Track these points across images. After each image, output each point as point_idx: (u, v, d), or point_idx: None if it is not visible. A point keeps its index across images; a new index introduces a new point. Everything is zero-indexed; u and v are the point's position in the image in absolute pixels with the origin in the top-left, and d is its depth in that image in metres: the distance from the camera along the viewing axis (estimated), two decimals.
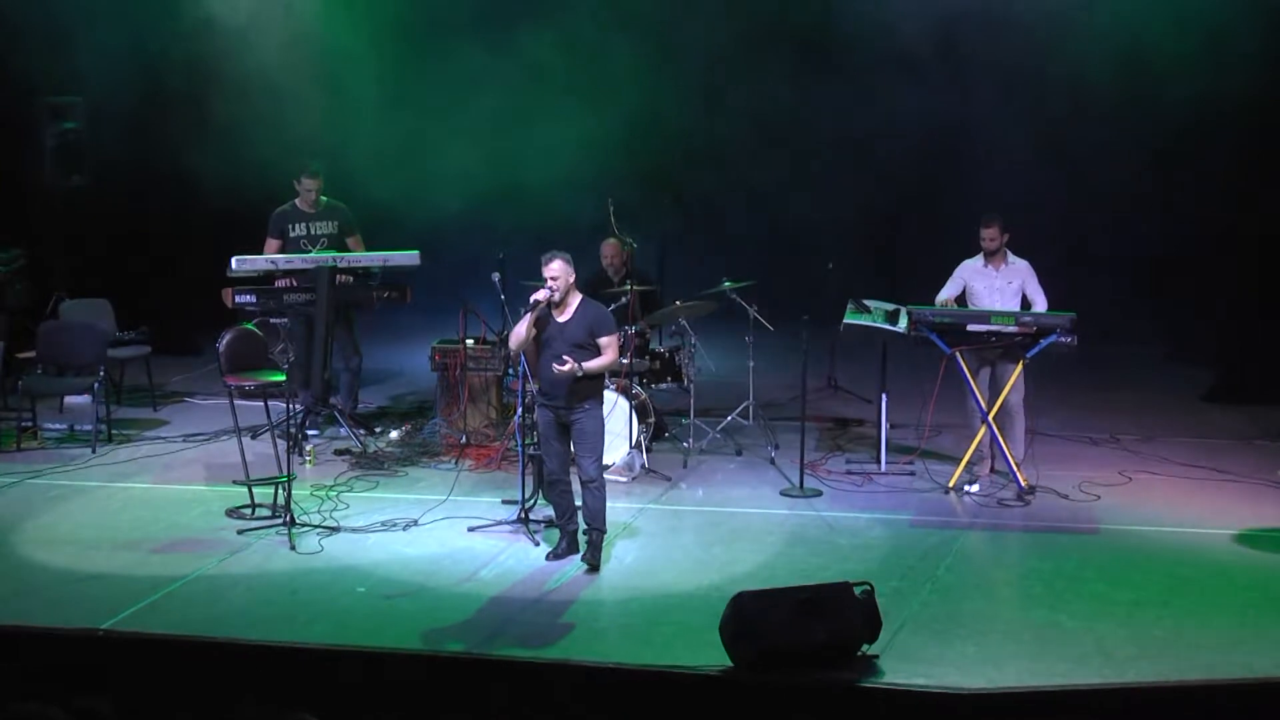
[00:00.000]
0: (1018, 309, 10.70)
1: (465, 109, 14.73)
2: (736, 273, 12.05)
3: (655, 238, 13.06)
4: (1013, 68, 15.29)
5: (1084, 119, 15.34)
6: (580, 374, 8.82)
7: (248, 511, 9.96)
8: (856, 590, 7.66)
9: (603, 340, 8.96)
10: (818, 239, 15.40)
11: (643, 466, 11.04)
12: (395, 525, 9.78)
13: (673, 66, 15.39)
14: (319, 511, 9.99)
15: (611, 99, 14.30)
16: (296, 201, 12.17)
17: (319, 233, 12.16)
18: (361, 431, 11.91)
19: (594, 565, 8.90)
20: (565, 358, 8.81)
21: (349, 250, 12.12)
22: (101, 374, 12.13)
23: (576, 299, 9.03)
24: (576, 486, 9.19)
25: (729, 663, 7.44)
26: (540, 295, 8.93)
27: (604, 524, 9.02)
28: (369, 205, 13.08)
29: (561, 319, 8.97)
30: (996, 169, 15.16)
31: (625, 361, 10.84)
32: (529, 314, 8.95)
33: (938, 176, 15.84)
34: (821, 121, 15.77)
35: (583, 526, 9.08)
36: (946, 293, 10.84)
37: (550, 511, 9.48)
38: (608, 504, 9.10)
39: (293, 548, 9.32)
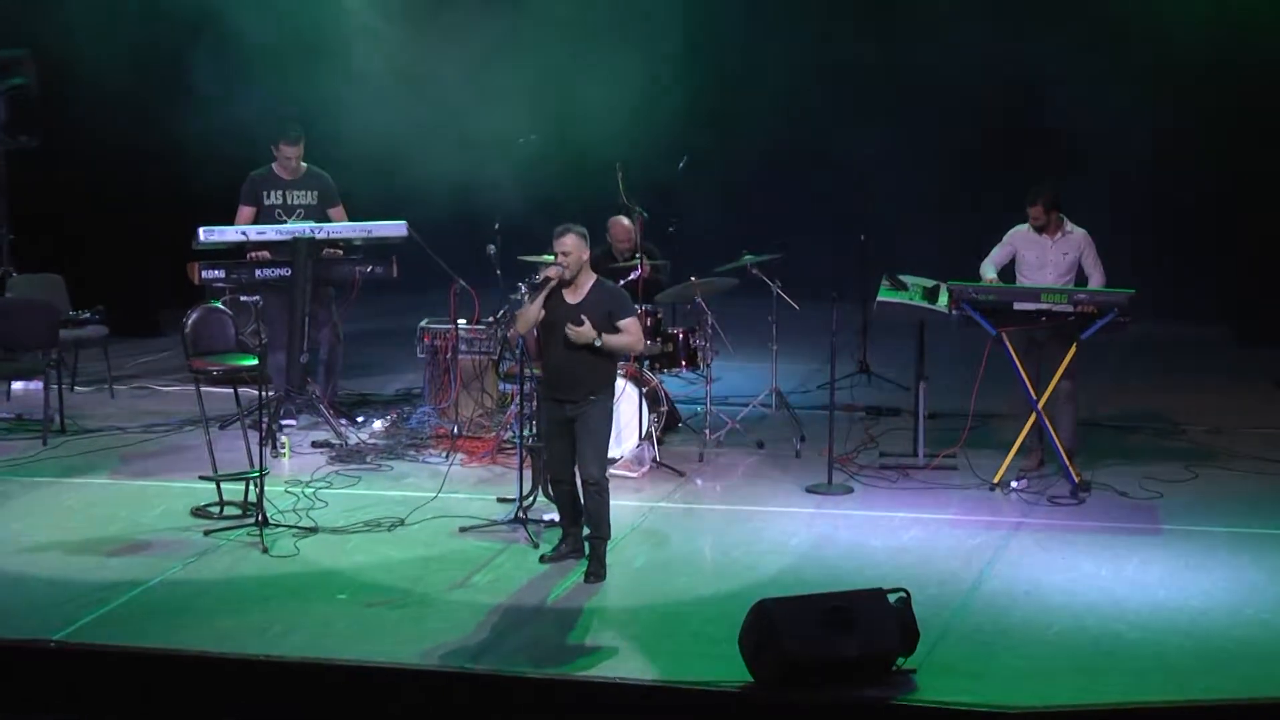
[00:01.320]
0: (1071, 283, 10.67)
1: (474, 72, 14.73)
2: (759, 245, 12.01)
3: (669, 206, 13.00)
4: (1092, 13, 15.15)
5: (1168, 74, 15.18)
6: (599, 344, 8.79)
7: (215, 510, 9.95)
8: (891, 598, 7.64)
9: (624, 323, 8.90)
10: (849, 207, 15.34)
11: (654, 460, 11.03)
12: (379, 525, 9.77)
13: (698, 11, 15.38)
14: (294, 510, 9.97)
15: (627, 52, 14.29)
16: (274, 165, 12.15)
17: (296, 202, 12.13)
18: (342, 422, 11.90)
19: (597, 575, 8.87)
20: (583, 317, 8.79)
21: (330, 222, 12.09)
22: (53, 357, 12.13)
23: (590, 279, 8.97)
24: None
25: (749, 678, 7.42)
26: (551, 272, 8.89)
27: (608, 530, 8.98)
28: (363, 171, 13.08)
29: (573, 300, 8.90)
30: (1070, 128, 15.07)
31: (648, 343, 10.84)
32: (539, 293, 8.90)
33: (998, 136, 15.74)
34: (860, 71, 15.64)
35: (585, 532, 9.07)
36: (994, 259, 10.82)
37: (552, 513, 9.47)
38: (614, 502, 9.07)
39: (265, 550, 9.31)
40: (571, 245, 8.87)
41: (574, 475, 9.06)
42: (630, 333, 8.92)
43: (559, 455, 9.05)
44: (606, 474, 8.96)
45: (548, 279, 8.88)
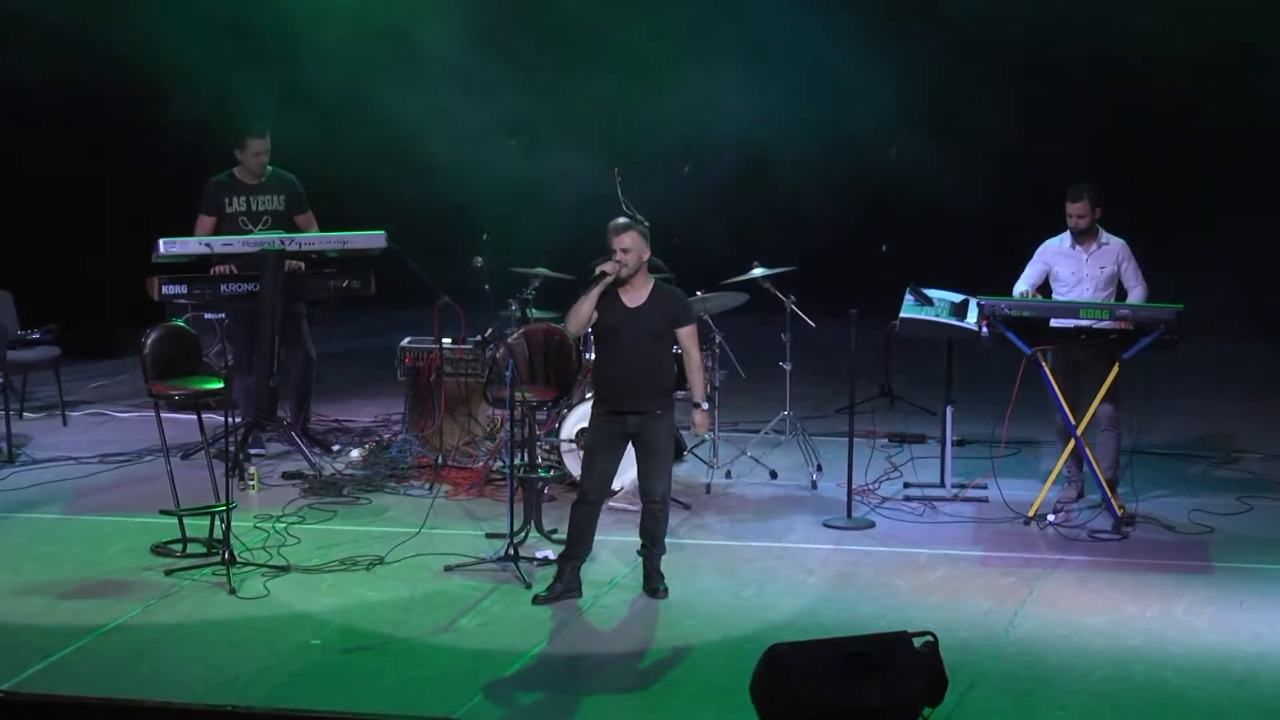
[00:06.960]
0: (1112, 298, 10.70)
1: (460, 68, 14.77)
2: (770, 257, 12.03)
3: (670, 213, 13.01)
4: None
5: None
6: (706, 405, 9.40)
7: (178, 548, 9.96)
8: (916, 642, 7.65)
9: (683, 331, 9.25)
10: (869, 211, 15.31)
11: None
12: (356, 564, 9.79)
13: None
14: (264, 547, 9.99)
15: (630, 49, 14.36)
16: (235, 171, 12.17)
17: (262, 209, 12.15)
18: (316, 451, 11.92)
19: (661, 590, 9.22)
20: (697, 416, 9.39)
21: (298, 230, 12.12)
22: (0, 381, 12.15)
23: (649, 282, 9.22)
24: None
25: None
26: (608, 267, 9.06)
27: (664, 545, 9.33)
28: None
29: (633, 304, 9.14)
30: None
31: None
32: (594, 288, 9.06)
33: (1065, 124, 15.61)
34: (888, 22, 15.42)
35: (639, 546, 9.30)
36: (1026, 279, 10.83)
37: (547, 550, 9.51)
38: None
39: (232, 591, 9.34)
40: (631, 243, 9.07)
41: (606, 497, 9.35)
42: (692, 344, 9.30)
43: (601, 472, 9.18)
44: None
45: (603, 274, 9.05)
